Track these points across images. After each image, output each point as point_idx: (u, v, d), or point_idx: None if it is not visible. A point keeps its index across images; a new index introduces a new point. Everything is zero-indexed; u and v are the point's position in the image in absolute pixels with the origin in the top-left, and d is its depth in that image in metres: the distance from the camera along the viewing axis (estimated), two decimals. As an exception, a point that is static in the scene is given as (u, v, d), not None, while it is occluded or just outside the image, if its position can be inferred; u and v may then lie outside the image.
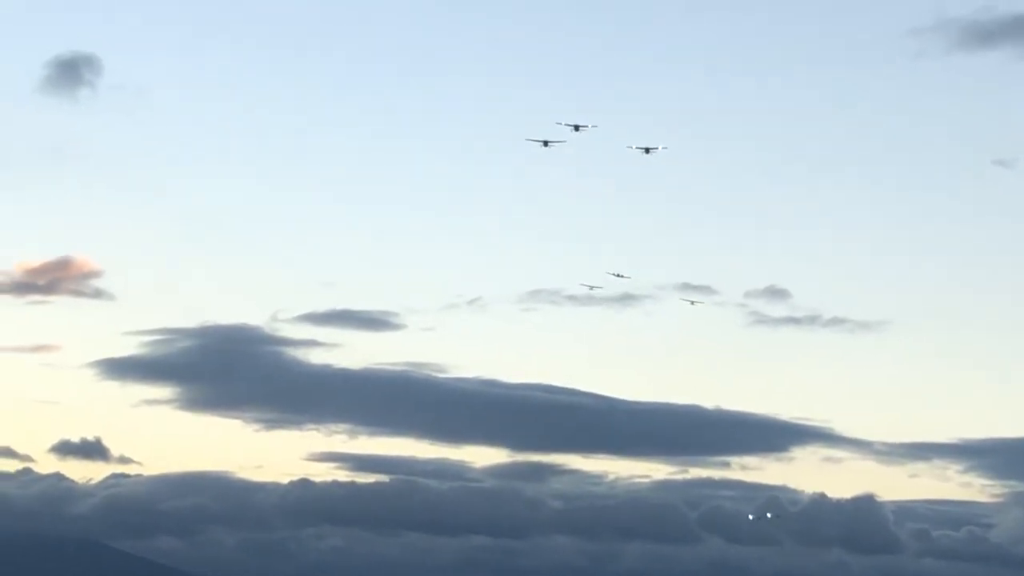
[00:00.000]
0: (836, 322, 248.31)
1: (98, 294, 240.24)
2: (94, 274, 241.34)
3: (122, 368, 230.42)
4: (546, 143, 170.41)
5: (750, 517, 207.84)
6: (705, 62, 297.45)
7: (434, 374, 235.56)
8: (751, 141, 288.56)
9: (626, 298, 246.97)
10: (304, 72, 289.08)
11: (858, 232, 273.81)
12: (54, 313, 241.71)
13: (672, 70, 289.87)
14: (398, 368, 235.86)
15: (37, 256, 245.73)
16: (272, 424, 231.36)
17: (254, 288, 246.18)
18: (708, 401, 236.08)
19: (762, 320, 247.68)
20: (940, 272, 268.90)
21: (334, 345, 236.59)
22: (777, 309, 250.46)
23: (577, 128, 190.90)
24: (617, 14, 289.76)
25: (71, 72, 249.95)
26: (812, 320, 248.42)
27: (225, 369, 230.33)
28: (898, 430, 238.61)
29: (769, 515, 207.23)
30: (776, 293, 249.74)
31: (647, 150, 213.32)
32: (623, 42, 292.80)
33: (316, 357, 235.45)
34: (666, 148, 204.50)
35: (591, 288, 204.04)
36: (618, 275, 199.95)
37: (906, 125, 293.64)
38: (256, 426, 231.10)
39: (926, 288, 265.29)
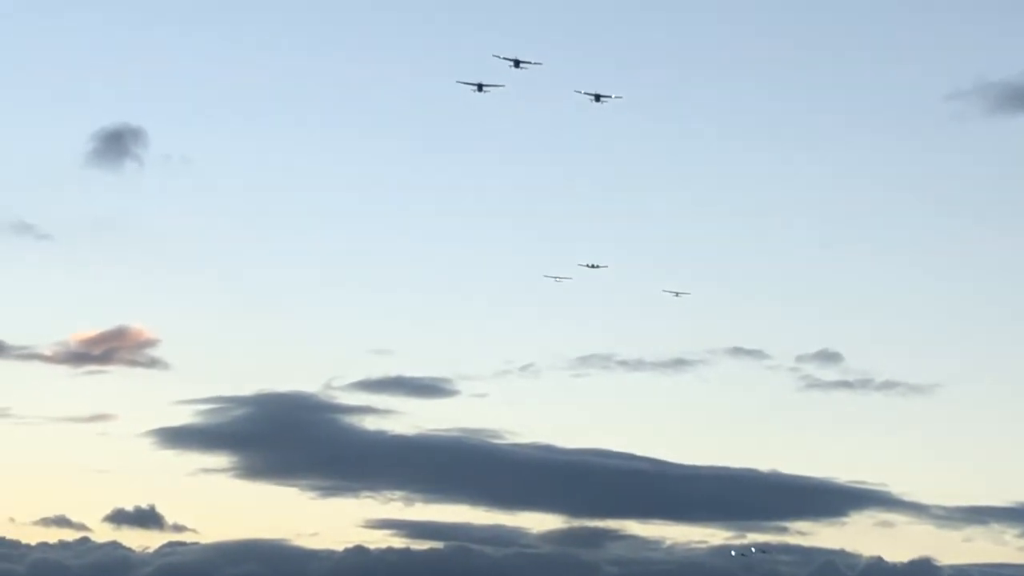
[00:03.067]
0: (889, 385, 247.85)
1: (153, 363, 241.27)
2: (149, 343, 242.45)
3: (177, 437, 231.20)
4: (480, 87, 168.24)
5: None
6: (747, 130, 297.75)
7: (488, 440, 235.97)
8: (798, 206, 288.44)
9: (678, 362, 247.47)
10: (354, 143, 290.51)
11: (908, 294, 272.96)
12: (109, 383, 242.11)
13: (707, 155, 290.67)
14: (452, 434, 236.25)
15: (92, 326, 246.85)
16: (327, 491, 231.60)
17: (308, 356, 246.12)
18: (764, 465, 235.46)
19: (814, 384, 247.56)
20: (991, 334, 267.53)
21: (388, 412, 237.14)
22: (829, 373, 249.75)
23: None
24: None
25: (117, 144, 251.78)
26: (864, 383, 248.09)
27: (280, 437, 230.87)
28: (954, 493, 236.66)
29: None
30: (828, 357, 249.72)
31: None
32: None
33: (371, 424, 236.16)
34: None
35: (557, 279, 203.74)
36: (592, 265, 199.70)
37: (949, 188, 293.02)
38: (312, 493, 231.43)
39: (978, 350, 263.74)
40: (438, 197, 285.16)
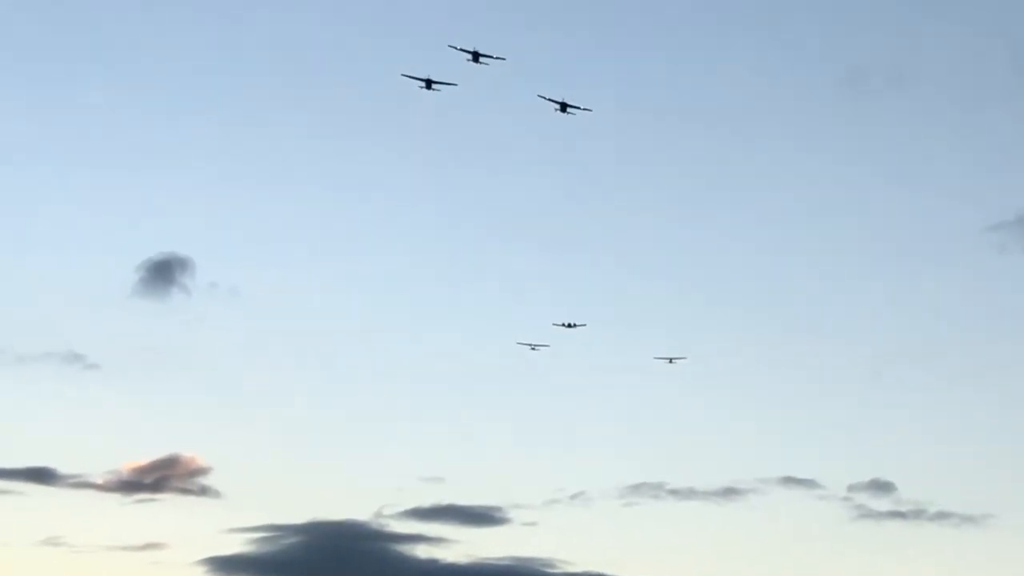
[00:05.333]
0: (942, 516, 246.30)
1: (204, 491, 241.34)
2: (201, 471, 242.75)
3: (229, 565, 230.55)
4: (429, 84, 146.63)
5: None
6: (790, 260, 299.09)
7: (541, 569, 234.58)
8: (849, 335, 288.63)
9: (729, 492, 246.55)
10: (400, 274, 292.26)
11: (961, 424, 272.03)
12: (161, 511, 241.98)
13: (750, 294, 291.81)
14: (504, 563, 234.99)
15: (144, 455, 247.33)
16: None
17: (359, 484, 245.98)
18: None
19: (867, 514, 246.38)
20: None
21: (440, 540, 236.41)
22: (882, 503, 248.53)
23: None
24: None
25: (164, 274, 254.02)
26: (918, 514, 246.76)
27: (332, 565, 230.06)
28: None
29: None
30: (880, 486, 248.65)
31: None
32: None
33: (422, 552, 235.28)
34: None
35: (533, 347, 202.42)
36: (568, 324, 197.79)
37: (996, 319, 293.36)
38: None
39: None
40: (484, 326, 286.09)
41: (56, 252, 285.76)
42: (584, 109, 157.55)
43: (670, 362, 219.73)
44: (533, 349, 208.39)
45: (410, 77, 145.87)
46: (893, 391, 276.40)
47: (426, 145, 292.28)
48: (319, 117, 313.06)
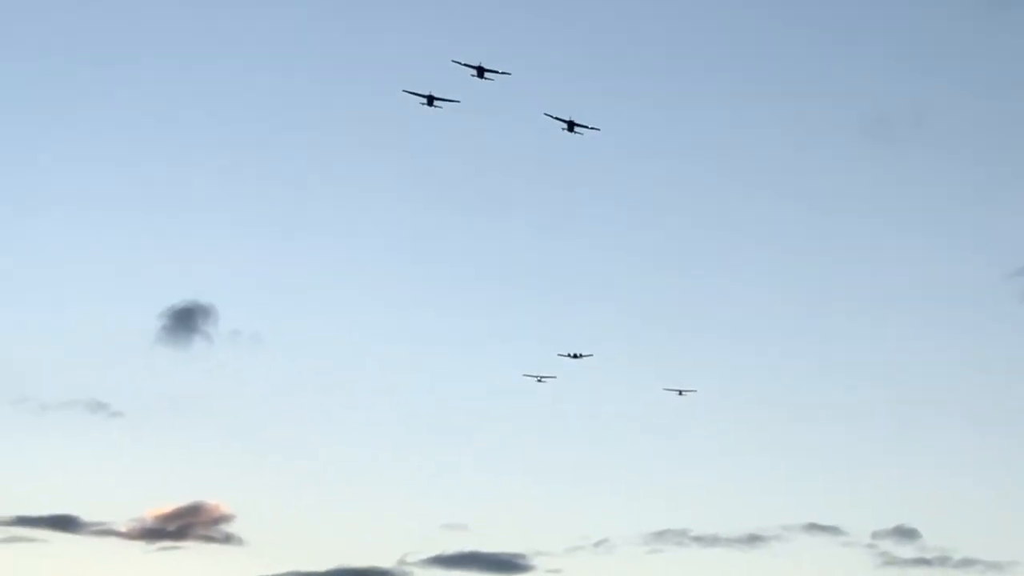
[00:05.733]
0: (967, 563, 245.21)
1: (228, 539, 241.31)
2: (224, 519, 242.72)
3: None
4: (431, 101, 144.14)
5: None
6: (817, 313, 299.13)
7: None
8: (872, 381, 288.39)
9: (753, 539, 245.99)
10: (425, 319, 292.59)
11: (986, 471, 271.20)
12: (185, 559, 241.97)
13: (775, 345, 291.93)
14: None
15: (167, 503, 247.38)
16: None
17: (383, 531, 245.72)
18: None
19: (891, 561, 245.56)
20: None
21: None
22: (907, 550, 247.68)
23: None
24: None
25: (187, 321, 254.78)
26: (943, 561, 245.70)
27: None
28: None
29: None
30: (905, 533, 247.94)
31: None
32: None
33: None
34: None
35: (539, 379, 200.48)
36: (574, 355, 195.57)
37: (1019, 366, 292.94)
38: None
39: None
40: (507, 370, 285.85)
41: (79, 300, 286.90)
42: (592, 128, 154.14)
43: (680, 394, 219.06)
44: (540, 381, 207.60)
45: (412, 93, 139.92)
46: (917, 437, 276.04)
47: (435, 173, 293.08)
48: (337, 168, 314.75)
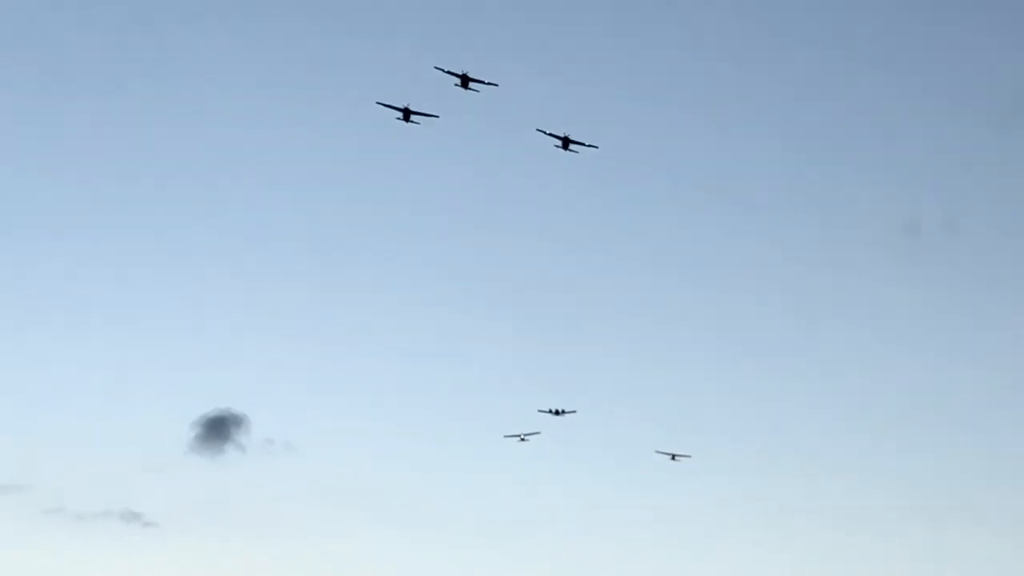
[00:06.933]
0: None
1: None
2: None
3: None
4: (407, 115, 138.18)
5: None
6: (849, 405, 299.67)
7: None
8: (887, 466, 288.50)
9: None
10: (459, 432, 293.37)
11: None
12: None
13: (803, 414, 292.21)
14: None
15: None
16: None
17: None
18: None
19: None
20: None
21: None
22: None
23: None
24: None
25: (219, 430, 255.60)
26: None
27: None
28: None
29: None
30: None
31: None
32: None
33: None
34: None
35: (522, 438, 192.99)
36: (557, 412, 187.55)
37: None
38: None
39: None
40: (534, 473, 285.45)
41: (111, 410, 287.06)
42: (590, 146, 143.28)
43: (672, 459, 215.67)
44: (522, 440, 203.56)
45: (385, 106, 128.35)
46: (921, 530, 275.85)
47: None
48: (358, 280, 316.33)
